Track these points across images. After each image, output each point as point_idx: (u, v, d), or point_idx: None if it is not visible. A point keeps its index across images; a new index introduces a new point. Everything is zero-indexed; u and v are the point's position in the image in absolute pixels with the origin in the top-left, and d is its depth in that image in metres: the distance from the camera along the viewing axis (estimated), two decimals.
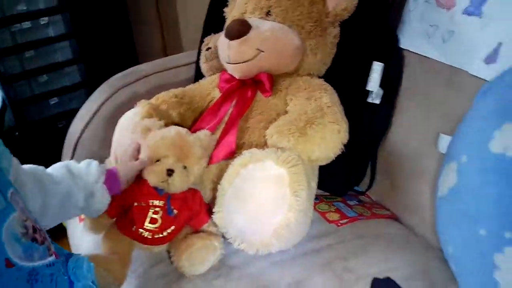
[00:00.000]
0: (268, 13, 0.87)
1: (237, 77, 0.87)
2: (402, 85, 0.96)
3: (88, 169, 0.69)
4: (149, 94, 0.96)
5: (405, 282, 0.76)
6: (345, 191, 1.03)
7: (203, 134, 0.79)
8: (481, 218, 0.71)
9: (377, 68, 0.93)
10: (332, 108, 0.78)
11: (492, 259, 0.68)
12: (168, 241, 0.76)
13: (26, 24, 1.49)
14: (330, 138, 0.75)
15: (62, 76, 1.66)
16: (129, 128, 0.83)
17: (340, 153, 0.78)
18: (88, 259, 0.59)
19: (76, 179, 0.67)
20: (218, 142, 0.83)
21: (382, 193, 1.02)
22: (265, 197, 0.69)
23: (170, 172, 0.72)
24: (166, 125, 0.82)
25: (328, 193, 1.01)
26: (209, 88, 0.94)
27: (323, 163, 0.78)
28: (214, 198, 0.77)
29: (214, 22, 1.09)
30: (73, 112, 1.16)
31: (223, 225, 0.72)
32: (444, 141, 0.84)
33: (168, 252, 0.79)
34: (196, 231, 0.79)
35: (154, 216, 0.73)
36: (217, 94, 0.92)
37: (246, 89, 0.87)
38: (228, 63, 0.87)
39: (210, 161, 0.81)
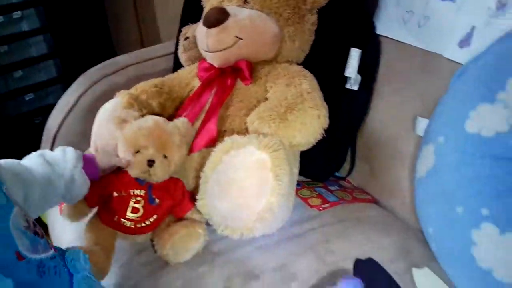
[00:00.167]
0: (246, 1, 0.87)
1: (216, 65, 0.87)
2: (380, 71, 0.97)
3: (65, 155, 0.69)
4: (127, 86, 0.95)
5: (386, 263, 0.77)
6: (326, 177, 1.04)
7: (180, 121, 0.79)
8: (458, 197, 0.72)
9: (354, 55, 0.94)
10: (312, 94, 0.79)
11: (470, 235, 0.70)
12: (151, 230, 0.76)
13: None
14: (310, 123, 0.76)
15: (38, 71, 1.64)
16: (109, 119, 0.83)
17: (321, 138, 0.79)
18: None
19: (54, 167, 0.67)
20: (199, 131, 0.83)
21: (362, 178, 1.03)
22: (247, 182, 0.69)
23: (151, 163, 0.71)
24: (147, 114, 0.82)
25: (309, 179, 1.02)
26: (188, 77, 0.94)
27: (304, 148, 0.79)
28: (197, 186, 0.77)
29: (191, 12, 1.08)
30: (50, 108, 1.14)
31: (207, 211, 0.72)
32: (422, 124, 0.86)
33: (152, 241, 0.79)
34: (180, 219, 0.78)
35: (136, 205, 0.73)
36: (196, 83, 0.92)
37: (225, 77, 0.87)
38: (206, 51, 0.86)
39: (191, 150, 0.82)
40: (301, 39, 0.88)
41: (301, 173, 0.88)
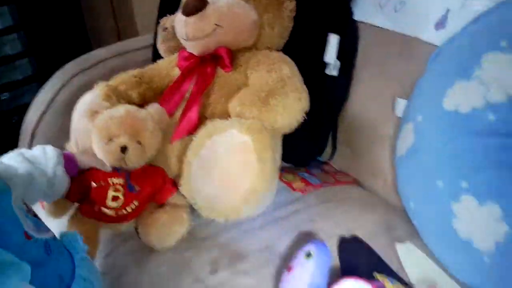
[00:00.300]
0: None
1: (195, 53, 0.87)
2: (358, 56, 0.99)
3: (45, 153, 0.70)
4: (105, 80, 0.94)
5: (370, 239, 0.79)
6: (308, 162, 1.06)
7: (153, 108, 0.79)
8: (438, 172, 0.75)
9: (333, 40, 0.96)
10: (293, 78, 0.81)
11: (450, 208, 0.72)
12: (133, 217, 0.76)
13: None
14: (292, 107, 0.77)
15: (13, 70, 1.61)
16: (86, 113, 0.82)
17: (302, 121, 0.80)
18: None
19: (35, 165, 0.67)
20: (181, 119, 0.83)
21: (344, 161, 1.05)
22: (231, 165, 0.70)
23: (124, 149, 0.72)
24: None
25: (292, 165, 1.04)
26: (168, 67, 0.94)
27: (287, 131, 0.80)
28: (180, 173, 0.78)
29: (169, 3, 1.08)
30: (26, 107, 1.12)
31: (191, 196, 0.72)
32: (401, 105, 0.88)
33: (136, 229, 0.79)
34: (163, 205, 0.79)
35: (115, 194, 0.73)
36: (176, 73, 0.92)
37: (205, 66, 0.87)
38: (186, 40, 0.87)
39: (173, 138, 0.82)
40: (280, 25, 0.89)
41: (283, 159, 0.89)
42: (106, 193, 0.73)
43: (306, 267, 0.64)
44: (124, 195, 0.73)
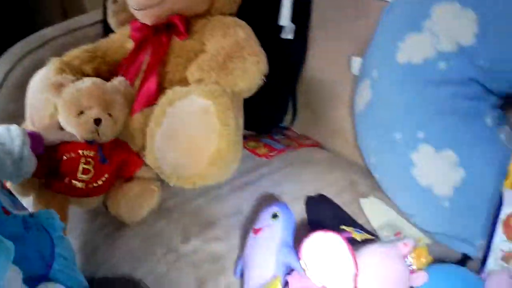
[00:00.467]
0: None
1: (148, 23, 0.86)
2: (312, 18, 0.99)
3: (10, 133, 0.66)
4: None
5: (335, 196, 0.81)
6: (270, 128, 1.07)
7: (118, 81, 0.78)
8: (395, 124, 0.77)
9: (286, 3, 0.96)
10: (249, 41, 0.80)
11: (409, 158, 0.75)
12: (103, 192, 0.75)
13: None
14: (250, 70, 0.77)
15: None
16: (42, 89, 0.80)
17: (262, 85, 0.81)
18: None
19: (1, 145, 0.64)
20: (139, 91, 0.82)
21: (305, 125, 1.06)
22: (194, 130, 0.69)
23: (97, 122, 0.70)
24: None
25: (254, 132, 1.04)
26: (121, 39, 0.92)
27: (246, 95, 0.80)
28: (144, 144, 0.77)
29: None
30: None
31: (157, 165, 0.72)
32: (356, 63, 0.89)
33: (104, 205, 0.78)
34: (130, 179, 0.78)
35: (86, 166, 0.72)
36: (130, 45, 0.89)
37: (160, 35, 0.86)
38: (137, 9, 0.84)
39: (133, 111, 0.80)
40: None
41: (245, 127, 0.89)
42: (77, 166, 0.72)
43: (274, 227, 0.65)
44: (94, 167, 0.72)
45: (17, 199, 0.55)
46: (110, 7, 1.01)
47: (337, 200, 0.80)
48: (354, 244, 0.59)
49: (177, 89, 0.73)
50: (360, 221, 0.77)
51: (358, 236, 0.64)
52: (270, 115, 1.05)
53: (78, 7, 1.50)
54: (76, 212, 0.77)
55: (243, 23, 0.86)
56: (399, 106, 0.76)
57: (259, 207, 0.78)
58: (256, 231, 0.65)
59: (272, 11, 0.97)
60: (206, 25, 0.86)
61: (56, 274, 0.56)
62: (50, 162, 0.72)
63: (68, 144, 0.73)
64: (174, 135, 0.70)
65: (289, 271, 0.61)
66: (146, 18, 0.85)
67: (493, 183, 0.69)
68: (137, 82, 0.83)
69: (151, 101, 0.80)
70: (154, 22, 0.85)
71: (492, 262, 0.63)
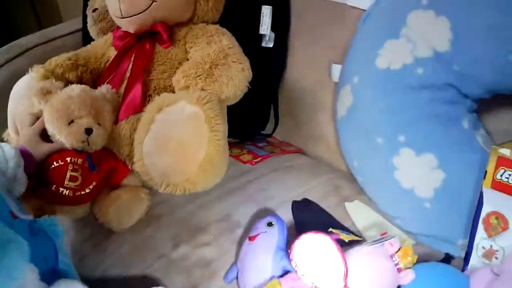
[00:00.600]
0: None
1: (132, 31, 0.86)
2: (292, 27, 1.02)
3: (4, 154, 0.65)
4: None
5: (320, 200, 0.83)
6: (253, 136, 1.08)
7: (105, 88, 0.79)
8: (377, 129, 0.79)
9: (266, 12, 0.98)
10: (233, 49, 0.82)
11: (391, 161, 0.78)
12: (90, 199, 0.75)
13: None
14: (236, 77, 0.78)
15: None
16: (26, 95, 0.79)
17: (246, 91, 0.82)
18: None
19: None
20: (124, 99, 0.82)
21: (287, 132, 1.08)
22: (184, 136, 0.70)
23: (88, 131, 0.71)
24: None
25: (237, 140, 1.05)
26: (103, 48, 0.92)
27: (232, 102, 0.81)
28: (131, 152, 0.77)
29: None
30: None
31: (146, 172, 0.72)
32: (336, 70, 0.91)
33: (93, 213, 0.77)
34: (118, 187, 0.78)
35: (74, 173, 0.71)
36: (112, 53, 0.90)
37: (143, 43, 0.86)
38: (121, 18, 0.85)
39: (119, 119, 0.80)
40: None
41: (229, 134, 0.90)
42: (65, 173, 0.71)
43: (270, 233, 0.66)
44: (82, 175, 0.72)
45: (21, 204, 0.54)
46: (90, 16, 1.01)
47: (323, 204, 0.82)
48: (342, 245, 0.60)
49: (166, 95, 0.73)
50: (346, 224, 0.78)
51: (346, 237, 0.65)
52: (253, 122, 1.06)
53: (53, 17, 1.48)
54: (62, 221, 0.76)
55: (225, 31, 0.87)
56: (380, 111, 0.79)
57: (246, 212, 0.79)
58: (252, 238, 0.66)
59: (252, 20, 0.98)
60: (188, 33, 0.87)
61: None
62: (38, 172, 0.72)
63: (57, 153, 0.72)
64: (164, 142, 0.70)
65: (283, 273, 0.62)
66: (129, 26, 0.86)
67: (473, 183, 0.71)
68: (121, 90, 0.83)
69: (137, 109, 0.80)
70: (138, 30, 0.86)
71: (474, 260, 0.66)
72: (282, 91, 1.06)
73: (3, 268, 0.43)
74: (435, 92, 0.76)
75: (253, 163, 0.95)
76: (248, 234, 0.68)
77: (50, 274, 0.53)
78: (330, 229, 0.70)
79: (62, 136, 0.71)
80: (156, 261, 0.71)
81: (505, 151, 0.62)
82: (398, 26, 0.77)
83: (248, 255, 0.64)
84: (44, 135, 0.75)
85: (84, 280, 0.58)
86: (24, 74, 0.86)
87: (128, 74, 0.84)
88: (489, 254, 0.64)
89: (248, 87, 0.81)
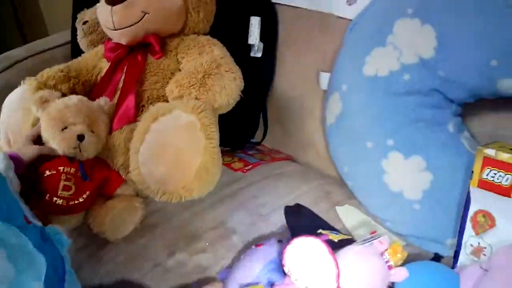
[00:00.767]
0: None
1: (124, 43, 0.87)
2: (280, 37, 1.04)
3: None
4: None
5: (311, 206, 0.84)
6: (243, 144, 1.10)
7: (103, 101, 0.80)
8: (366, 134, 0.82)
9: (255, 23, 1.00)
10: (225, 58, 0.83)
11: (380, 165, 0.80)
12: (84, 208, 0.75)
13: None
14: (229, 86, 0.80)
15: None
16: (19, 107, 0.79)
17: (238, 100, 0.84)
18: None
19: None
20: (117, 109, 0.83)
21: (276, 139, 1.10)
22: (180, 144, 0.71)
23: (80, 138, 0.71)
24: None
25: (228, 148, 1.07)
26: (94, 59, 0.93)
27: (225, 110, 0.82)
28: (126, 162, 0.78)
29: None
30: None
31: (142, 180, 0.72)
32: (324, 78, 0.94)
33: (87, 223, 0.77)
34: (112, 196, 0.78)
35: (67, 183, 0.71)
36: (104, 65, 0.91)
37: (135, 54, 0.87)
38: (113, 30, 0.86)
39: (112, 129, 0.81)
40: (205, 10, 0.91)
41: (220, 143, 0.92)
42: (58, 183, 0.71)
43: (275, 246, 0.66)
44: (75, 184, 0.72)
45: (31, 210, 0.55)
46: (80, 28, 1.02)
47: (314, 210, 0.84)
48: (332, 245, 0.62)
49: (161, 105, 0.75)
50: (337, 227, 0.80)
51: (335, 237, 0.66)
52: (242, 131, 1.08)
53: (38, 30, 1.48)
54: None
55: (216, 41, 0.89)
56: (369, 116, 0.81)
57: (240, 218, 0.80)
58: (258, 245, 0.67)
59: (242, 31, 1.01)
60: (180, 44, 0.89)
61: None
62: (30, 180, 0.72)
63: (48, 162, 0.72)
64: (161, 150, 0.71)
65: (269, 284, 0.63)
66: (121, 38, 0.87)
67: (459, 184, 0.74)
68: (114, 101, 0.84)
69: (130, 119, 0.81)
70: (130, 42, 0.87)
71: (463, 257, 0.68)
72: (270, 100, 1.08)
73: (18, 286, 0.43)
74: (422, 98, 0.79)
75: (244, 170, 0.96)
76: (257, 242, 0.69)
77: (57, 282, 0.53)
78: (320, 231, 0.72)
79: (55, 142, 0.72)
80: (152, 269, 0.71)
81: (490, 151, 0.65)
82: (385, 34, 0.79)
83: (246, 257, 0.66)
84: (39, 143, 0.75)
85: None
86: (13, 87, 0.87)
87: (120, 85, 0.85)
88: (477, 252, 0.67)
89: (240, 95, 0.83)
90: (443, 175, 0.76)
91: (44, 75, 0.86)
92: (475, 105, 0.80)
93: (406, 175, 0.79)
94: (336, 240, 0.66)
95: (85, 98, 0.77)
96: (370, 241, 0.63)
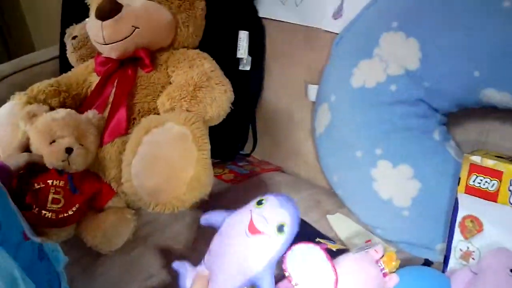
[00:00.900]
0: None
1: (114, 57, 0.88)
2: (267, 50, 1.06)
3: None
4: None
5: (302, 215, 0.84)
6: (232, 156, 1.11)
7: (91, 113, 0.80)
8: (355, 143, 0.84)
9: (243, 37, 1.02)
10: (215, 71, 0.85)
11: (370, 174, 0.82)
12: (74, 222, 0.75)
13: None
14: (219, 98, 0.81)
15: None
16: (8, 122, 0.79)
17: (229, 112, 0.85)
18: None
19: None
20: (108, 123, 0.83)
21: (266, 151, 1.11)
22: (173, 156, 0.71)
23: (69, 151, 0.71)
24: None
25: (218, 160, 1.08)
26: (84, 74, 0.93)
27: (215, 122, 0.83)
28: (117, 174, 0.78)
29: (72, 12, 1.07)
30: None
31: (135, 192, 0.72)
32: (312, 90, 0.96)
33: (79, 237, 0.77)
34: (103, 209, 0.78)
35: (56, 196, 0.71)
36: (94, 79, 0.91)
37: (126, 68, 0.88)
38: (104, 44, 0.86)
39: (103, 142, 0.81)
40: (194, 24, 0.93)
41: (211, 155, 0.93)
42: (47, 196, 0.71)
43: (275, 242, 0.61)
44: (64, 197, 0.72)
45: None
46: (70, 43, 1.02)
47: (305, 219, 0.84)
48: (330, 253, 0.63)
49: (153, 117, 0.75)
50: (330, 235, 0.81)
51: (333, 246, 0.68)
52: (232, 143, 1.09)
53: (24, 45, 1.48)
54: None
55: (206, 55, 0.90)
56: (358, 126, 0.83)
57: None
58: (254, 232, 0.62)
59: (230, 45, 1.02)
60: (170, 57, 0.90)
61: None
62: (20, 193, 0.71)
63: (38, 176, 0.72)
64: (153, 162, 0.71)
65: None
66: (112, 52, 0.87)
67: (447, 191, 0.76)
68: (105, 114, 0.85)
69: (122, 132, 0.82)
70: (120, 56, 0.87)
71: (453, 262, 0.70)
72: (259, 112, 1.10)
73: None
74: (408, 107, 0.81)
75: (235, 182, 0.97)
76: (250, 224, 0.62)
77: None
78: (318, 240, 0.73)
79: (44, 156, 0.72)
80: (147, 280, 0.71)
81: (476, 158, 0.67)
82: (371, 47, 0.82)
83: (235, 248, 0.63)
84: None
85: None
86: (2, 102, 0.87)
87: (111, 99, 0.86)
88: (466, 256, 0.69)
89: (230, 107, 0.84)
90: (430, 183, 0.78)
91: (34, 89, 0.86)
92: (459, 115, 0.82)
93: (395, 183, 0.81)
94: (334, 250, 0.67)
95: (73, 111, 0.77)
96: (365, 249, 0.65)
